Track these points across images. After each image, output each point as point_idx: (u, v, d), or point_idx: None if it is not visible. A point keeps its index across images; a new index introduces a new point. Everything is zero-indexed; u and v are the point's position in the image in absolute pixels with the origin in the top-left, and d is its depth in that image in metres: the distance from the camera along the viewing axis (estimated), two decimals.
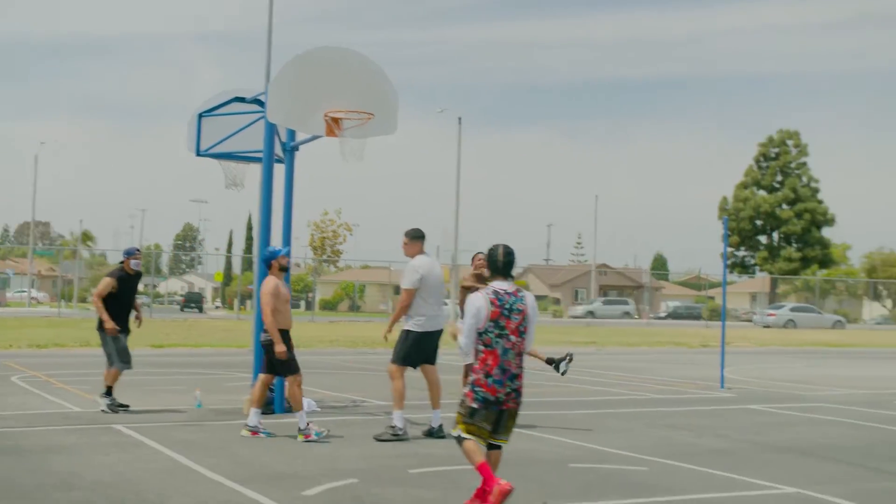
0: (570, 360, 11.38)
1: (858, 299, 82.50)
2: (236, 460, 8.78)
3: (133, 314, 12.29)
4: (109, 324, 11.78)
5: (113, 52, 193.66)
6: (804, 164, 79.48)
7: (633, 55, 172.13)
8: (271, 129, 12.41)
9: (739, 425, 12.12)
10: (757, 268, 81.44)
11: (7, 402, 12.49)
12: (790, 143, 79.84)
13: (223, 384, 15.44)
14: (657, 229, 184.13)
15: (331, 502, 7.13)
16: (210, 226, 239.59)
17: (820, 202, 78.61)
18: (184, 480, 7.83)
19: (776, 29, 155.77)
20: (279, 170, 12.74)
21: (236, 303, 60.53)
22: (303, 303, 72.99)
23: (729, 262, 79.99)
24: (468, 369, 7.33)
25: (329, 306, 77.34)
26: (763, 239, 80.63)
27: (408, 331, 10.30)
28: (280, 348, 10.02)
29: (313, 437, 9.85)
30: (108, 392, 11.85)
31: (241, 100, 13.22)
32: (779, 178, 79.46)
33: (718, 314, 55.71)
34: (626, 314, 72.85)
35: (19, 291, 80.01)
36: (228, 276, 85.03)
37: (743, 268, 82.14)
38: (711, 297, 72.97)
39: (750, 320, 66.87)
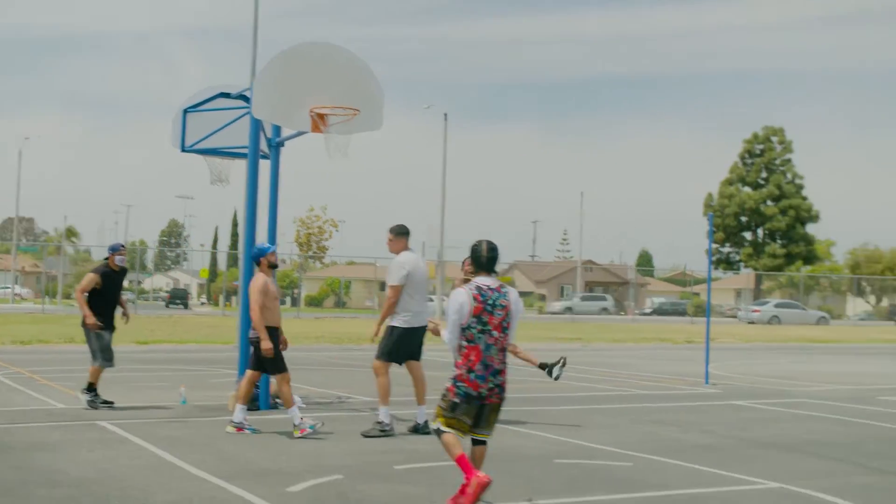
0: (564, 364, 11.35)
1: (842, 295, 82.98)
2: (221, 456, 8.76)
3: (119, 311, 12.24)
4: (90, 319, 11.74)
5: (98, 47, 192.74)
6: (789, 160, 79.79)
7: (619, 52, 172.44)
8: (256, 125, 12.38)
9: (724, 421, 12.16)
10: (742, 264, 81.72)
11: None
12: (775, 139, 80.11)
13: (208, 380, 15.41)
14: (643, 226, 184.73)
15: (316, 498, 7.13)
16: (195, 222, 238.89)
17: (804, 199, 78.92)
18: (168, 477, 7.81)
19: (762, 26, 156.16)
20: (264, 166, 12.71)
21: (222, 299, 60.38)
22: (288, 299, 72.92)
23: (714, 258, 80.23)
24: None
25: (315, 302, 77.28)
26: (748, 235, 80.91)
27: (393, 327, 10.29)
28: (266, 345, 10.00)
29: (308, 430, 9.84)
30: (90, 388, 11.80)
31: (227, 95, 13.18)
32: (763, 174, 79.75)
33: (703, 310, 55.93)
34: (605, 310, 72.86)
35: (3, 287, 79.58)
36: (214, 273, 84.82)
37: (728, 264, 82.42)
38: (696, 294, 73.19)
39: (735, 316, 67.19)
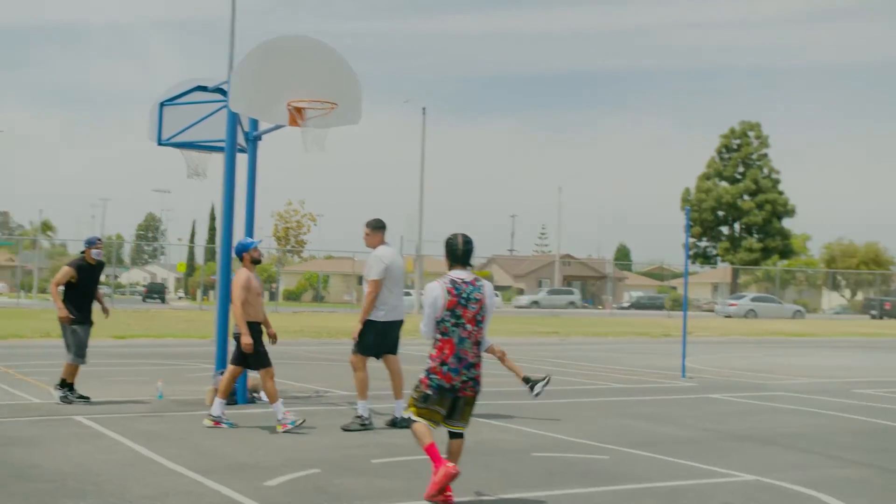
0: (548, 382, 11.36)
1: (818, 289, 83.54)
2: (198, 451, 8.73)
3: (98, 306, 12.16)
4: (62, 312, 11.67)
5: (73, 40, 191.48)
6: (765, 155, 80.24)
7: (597, 47, 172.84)
8: (234, 119, 12.33)
9: (700, 414, 12.23)
10: (719, 258, 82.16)
11: None
12: (751, 134, 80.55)
13: (185, 375, 15.35)
14: (620, 220, 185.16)
15: (293, 492, 7.12)
16: (173, 216, 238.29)
17: (780, 193, 79.40)
18: (144, 471, 7.78)
19: (739, 22, 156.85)
20: (242, 159, 12.66)
21: (199, 293, 60.16)
22: (266, 293, 72.68)
23: (691, 252, 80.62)
24: None
25: (293, 297, 77.11)
26: (725, 230, 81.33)
27: (370, 321, 10.28)
28: (245, 340, 9.98)
29: (289, 426, 9.83)
30: (64, 384, 11.73)
31: (204, 88, 13.12)
32: (740, 169, 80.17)
33: (681, 304, 56.17)
34: (571, 304, 72.84)
35: None
36: (191, 267, 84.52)
37: (705, 258, 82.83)
38: (674, 288, 73.55)
39: (712, 310, 67.52)
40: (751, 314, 58.08)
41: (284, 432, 9.78)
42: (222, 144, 12.66)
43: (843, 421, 11.98)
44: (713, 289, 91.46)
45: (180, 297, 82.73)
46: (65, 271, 11.88)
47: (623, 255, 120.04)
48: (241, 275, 10.20)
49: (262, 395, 12.03)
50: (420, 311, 8.49)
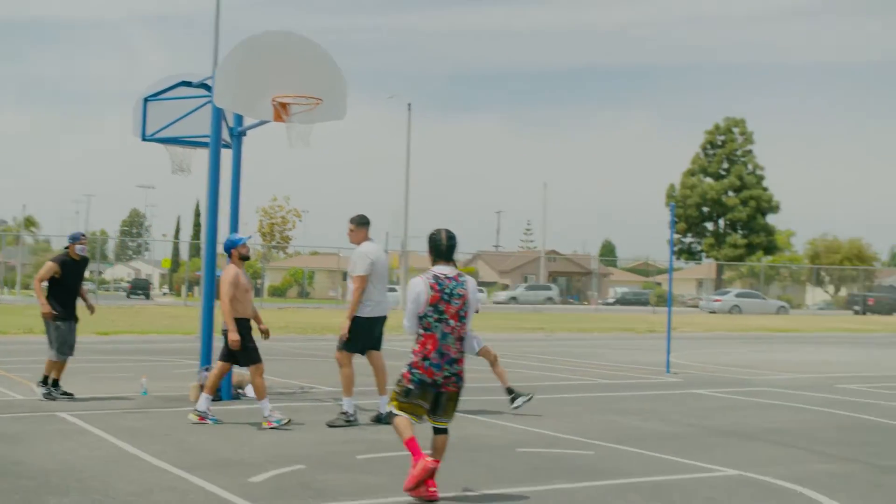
0: (530, 399, 11.36)
1: (802, 285, 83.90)
2: (182, 447, 8.71)
3: (82, 303, 12.10)
4: (45, 308, 11.62)
5: (56, 35, 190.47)
6: (750, 151, 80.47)
7: (583, 44, 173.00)
8: (218, 114, 12.29)
9: (685, 409, 12.27)
10: (703, 254, 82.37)
11: None
12: (736, 130, 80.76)
13: (170, 371, 15.31)
14: (606, 216, 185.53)
15: (277, 489, 7.11)
16: (157, 212, 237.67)
17: (765, 189, 79.65)
18: (128, 468, 7.75)
19: (724, 19, 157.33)
20: (227, 155, 12.63)
21: (184, 289, 59.98)
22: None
23: (676, 248, 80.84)
24: None
25: (278, 293, 76.97)
26: (709, 226, 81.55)
27: (355, 317, 10.27)
28: (233, 337, 9.95)
29: (274, 423, 9.81)
30: (46, 380, 11.68)
31: (188, 84, 13.07)
32: (725, 165, 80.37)
33: (665, 300, 56.34)
34: (549, 300, 72.82)
35: None
36: (176, 263, 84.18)
37: (689, 254, 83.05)
38: (659, 284, 73.77)
39: (696, 306, 67.69)
40: (735, 310, 58.27)
41: (269, 429, 9.76)
42: (207, 140, 12.62)
43: (827, 416, 12.03)
44: (698, 285, 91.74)
45: (165, 294, 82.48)
46: (48, 267, 11.82)
47: (608, 251, 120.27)
48: (229, 271, 10.18)
49: (247, 391, 12.01)
50: (405, 307, 8.44)
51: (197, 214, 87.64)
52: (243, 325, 10.11)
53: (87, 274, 12.33)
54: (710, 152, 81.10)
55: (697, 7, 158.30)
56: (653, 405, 12.63)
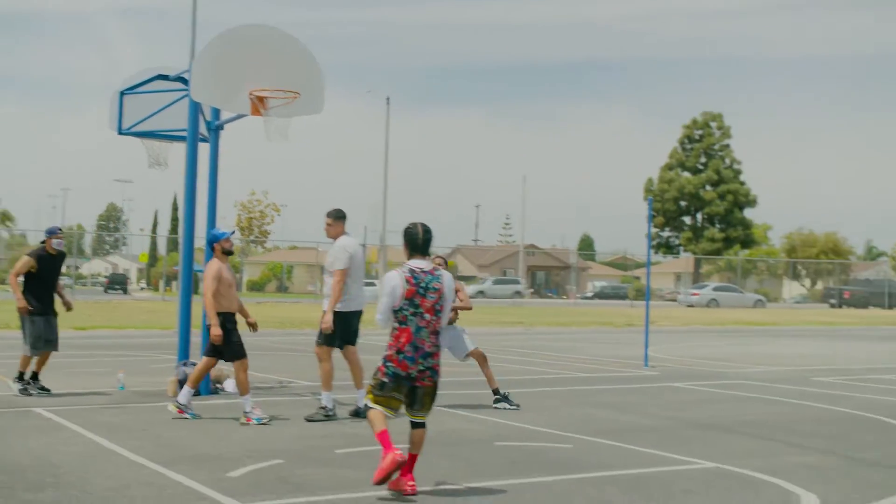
0: (513, 406, 11.28)
1: (779, 279, 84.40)
2: (160, 442, 8.68)
3: (59, 298, 12.01)
4: (21, 303, 11.54)
5: (31, 28, 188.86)
6: (727, 146, 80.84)
7: (561, 37, 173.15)
8: (195, 108, 12.23)
9: (663, 403, 12.33)
10: (681, 248, 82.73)
11: None
12: (714, 125, 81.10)
13: (148, 366, 15.25)
14: (584, 210, 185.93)
15: (255, 483, 7.10)
16: (135, 206, 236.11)
17: (742, 184, 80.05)
18: (105, 463, 7.72)
19: (701, 13, 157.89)
20: (204, 149, 12.57)
21: (162, 284, 59.68)
22: None
23: (654, 242, 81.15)
24: None
25: (257, 287, 76.73)
26: (687, 220, 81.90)
27: (334, 311, 10.27)
28: (215, 332, 9.90)
29: (254, 421, 9.78)
30: (21, 376, 11.61)
31: (165, 77, 13.01)
32: (702, 159, 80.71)
33: (644, 294, 56.59)
34: (517, 293, 72.77)
35: None
36: (154, 257, 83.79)
37: (668, 248, 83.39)
38: (637, 278, 73.98)
39: (674, 300, 67.98)
40: (713, 303, 58.56)
41: (247, 424, 9.73)
42: (184, 134, 12.56)
43: (803, 409, 12.12)
44: (676, 278, 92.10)
45: (142, 288, 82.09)
46: (25, 261, 11.74)
47: (587, 245, 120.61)
48: (211, 266, 10.14)
49: (226, 385, 11.99)
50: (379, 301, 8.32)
51: (175, 209, 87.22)
52: (228, 320, 10.08)
53: (63, 269, 12.24)
54: (688, 147, 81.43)
55: (676, 1, 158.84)
56: (631, 398, 12.69)
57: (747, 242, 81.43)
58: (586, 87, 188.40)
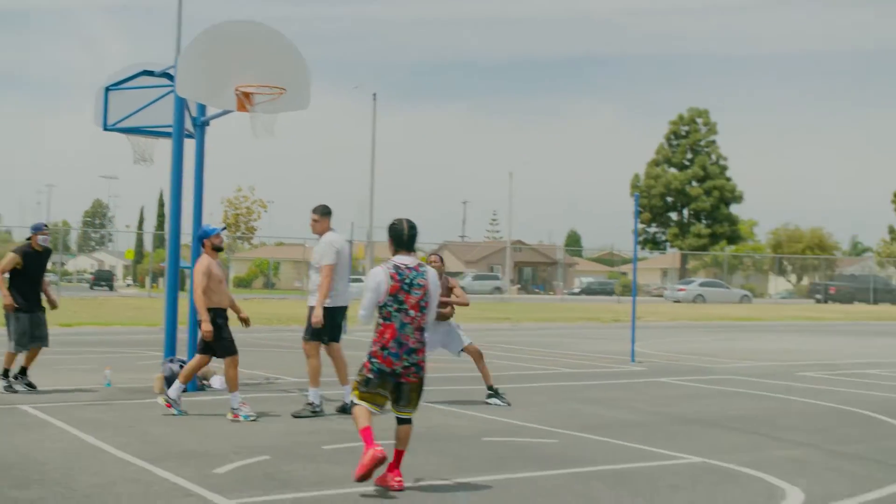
0: (504, 403, 11.27)
1: (765, 274, 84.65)
2: (146, 439, 8.66)
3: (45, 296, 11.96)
4: (7, 299, 11.50)
5: (15, 23, 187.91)
6: (713, 142, 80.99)
7: (549, 34, 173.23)
8: (181, 104, 12.20)
9: (649, 398, 12.36)
10: (668, 244, 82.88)
11: None
12: (700, 121, 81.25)
13: (134, 363, 15.21)
14: (571, 206, 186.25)
15: (242, 480, 7.09)
16: (120, 202, 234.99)
17: (728, 179, 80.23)
18: (91, 460, 7.70)
19: (687, 9, 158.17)
20: (190, 145, 12.54)
21: (148, 281, 59.51)
22: None
23: (640, 238, 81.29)
24: None
25: (243, 283, 76.58)
26: (674, 216, 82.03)
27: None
28: (205, 327, 9.88)
29: (241, 418, 9.76)
30: (6, 373, 11.57)
31: (150, 73, 12.96)
32: (689, 155, 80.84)
33: (630, 290, 56.70)
34: (497, 289, 72.72)
35: None
36: (140, 254, 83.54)
37: (654, 244, 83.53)
38: (624, 273, 74.11)
39: (661, 295, 68.11)
40: (699, 299, 58.68)
41: (233, 420, 9.72)
42: (170, 130, 12.53)
43: (788, 403, 12.17)
44: (662, 274, 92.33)
45: (129, 285, 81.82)
46: (10, 258, 11.69)
47: (574, 241, 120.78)
48: (201, 262, 10.13)
49: (213, 381, 11.97)
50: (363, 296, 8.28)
51: (161, 205, 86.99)
52: (219, 315, 10.05)
53: (49, 265, 12.21)
54: (675, 143, 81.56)
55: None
56: (617, 394, 12.72)
57: (733, 238, 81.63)
58: (573, 83, 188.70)
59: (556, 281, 79.57)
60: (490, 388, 11.40)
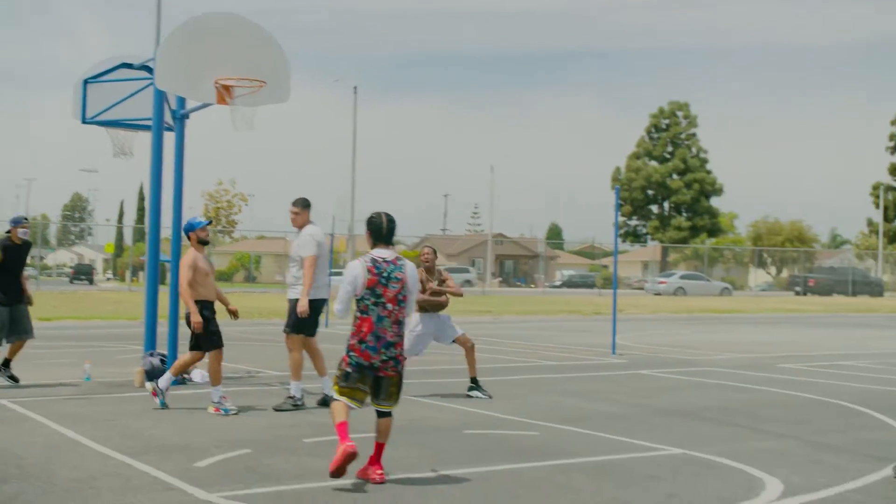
0: (486, 396, 11.30)
1: (745, 267, 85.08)
2: (126, 433, 8.63)
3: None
4: None
5: None
6: (693, 135, 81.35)
7: (530, 27, 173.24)
8: (160, 97, 12.14)
9: (630, 390, 12.41)
10: (648, 237, 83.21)
11: None
12: (680, 114, 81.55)
13: (114, 357, 15.15)
14: (552, 199, 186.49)
15: (223, 473, 7.07)
16: (100, 196, 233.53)
17: (708, 172, 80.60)
18: (71, 454, 7.67)
19: (667, 3, 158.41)
20: (170, 138, 12.48)
21: (128, 274, 59.23)
22: None
23: (621, 231, 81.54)
24: None
25: (224, 277, 76.27)
26: (654, 208, 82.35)
27: (298, 299, 10.27)
28: (196, 318, 9.84)
29: (221, 412, 9.74)
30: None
31: (129, 66, 12.88)
32: (669, 148, 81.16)
33: (612, 282, 56.87)
34: (468, 282, 72.64)
35: None
36: (120, 248, 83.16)
37: (635, 237, 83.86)
38: (605, 266, 74.24)
39: (642, 288, 68.36)
40: (680, 292, 58.93)
41: (214, 414, 9.70)
42: (149, 123, 12.46)
43: (766, 394, 12.24)
44: (643, 267, 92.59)
45: (109, 279, 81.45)
46: None
47: (555, 234, 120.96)
48: (187, 255, 10.11)
49: (194, 375, 11.93)
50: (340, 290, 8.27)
51: (141, 198, 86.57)
52: (206, 308, 10.01)
53: (28, 259, 12.13)
54: (655, 136, 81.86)
55: None
56: (598, 386, 12.76)
57: (714, 231, 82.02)
58: (554, 75, 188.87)
59: (538, 274, 79.69)
60: (473, 379, 11.41)
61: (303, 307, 10.13)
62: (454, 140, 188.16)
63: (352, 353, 6.88)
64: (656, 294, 58.56)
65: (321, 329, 10.97)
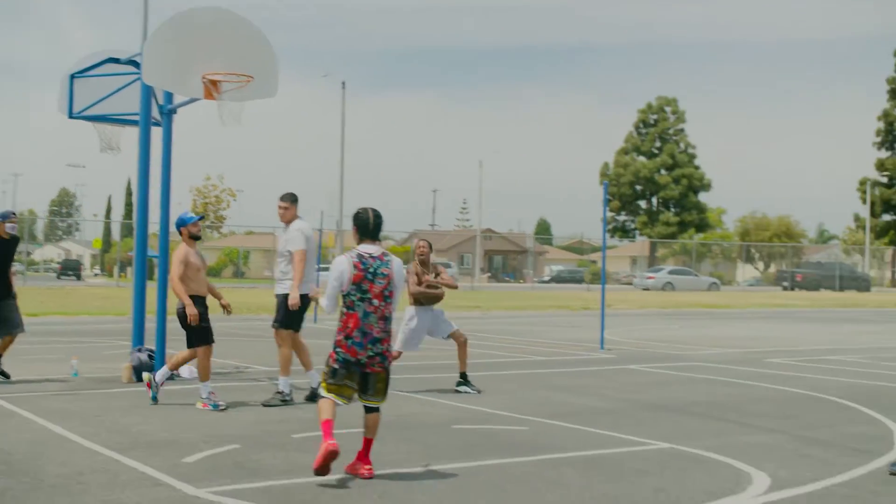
0: (474, 391, 11.30)
1: (733, 262, 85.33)
2: (115, 429, 8.61)
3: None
4: None
5: None
6: (682, 130, 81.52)
7: (518, 21, 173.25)
8: (147, 92, 12.10)
9: (618, 385, 12.43)
10: (637, 232, 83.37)
11: None
12: (668, 109, 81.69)
13: (101, 352, 15.11)
14: (541, 195, 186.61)
15: (211, 469, 7.06)
16: (87, 191, 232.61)
17: (696, 168, 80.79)
18: (58, 450, 7.64)
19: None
20: (157, 133, 12.44)
21: (116, 270, 59.10)
22: None
23: (610, 226, 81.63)
24: None
25: (213, 272, 76.07)
26: (643, 204, 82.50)
27: (285, 294, 10.27)
28: (191, 311, 9.78)
29: (210, 407, 9.72)
30: None
31: (116, 60, 12.83)
32: (657, 144, 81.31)
33: (600, 277, 56.94)
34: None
35: None
36: (107, 243, 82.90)
37: (623, 232, 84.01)
38: (594, 261, 74.37)
39: (630, 283, 68.47)
40: (668, 287, 59.06)
41: (202, 409, 9.68)
42: (136, 118, 12.43)
43: (753, 389, 12.28)
44: (632, 262, 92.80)
45: (96, 274, 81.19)
46: None
47: (543, 230, 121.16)
48: (179, 250, 10.08)
49: (182, 371, 11.90)
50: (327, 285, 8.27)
51: (128, 194, 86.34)
52: (198, 303, 9.98)
53: (15, 254, 12.09)
54: (643, 131, 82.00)
55: None
56: (587, 381, 12.78)
57: (702, 226, 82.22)
58: (543, 71, 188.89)
59: (526, 269, 79.78)
60: (462, 375, 11.41)
61: (294, 300, 10.13)
62: (442, 135, 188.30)
63: (339, 350, 6.87)
64: (644, 289, 58.67)
65: (309, 324, 10.96)
